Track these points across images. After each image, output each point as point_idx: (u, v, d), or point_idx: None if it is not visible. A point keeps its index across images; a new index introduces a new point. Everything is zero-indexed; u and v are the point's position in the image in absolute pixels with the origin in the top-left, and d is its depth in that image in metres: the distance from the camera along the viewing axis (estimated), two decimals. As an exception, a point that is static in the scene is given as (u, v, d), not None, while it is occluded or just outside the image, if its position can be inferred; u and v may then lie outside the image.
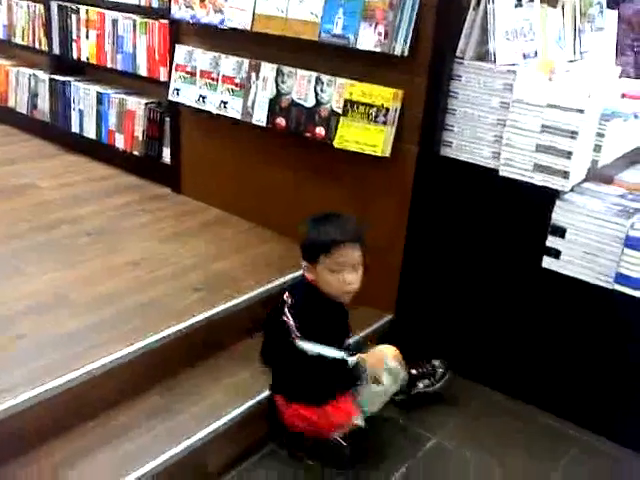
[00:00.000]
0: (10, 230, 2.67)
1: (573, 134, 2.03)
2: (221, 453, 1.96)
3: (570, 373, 2.24)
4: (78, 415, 1.85)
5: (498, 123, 2.18)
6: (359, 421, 1.96)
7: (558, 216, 2.12)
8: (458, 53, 2.21)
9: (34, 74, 3.92)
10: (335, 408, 1.93)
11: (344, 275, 1.84)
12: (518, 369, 2.35)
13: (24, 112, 4.04)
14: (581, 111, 2.02)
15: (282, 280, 2.38)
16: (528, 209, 2.20)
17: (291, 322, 1.90)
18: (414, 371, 2.26)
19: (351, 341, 2.11)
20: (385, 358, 1.97)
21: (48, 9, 3.66)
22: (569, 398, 2.27)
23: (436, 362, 2.33)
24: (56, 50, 3.72)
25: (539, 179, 2.12)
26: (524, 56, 2.27)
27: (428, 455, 2.11)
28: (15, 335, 1.97)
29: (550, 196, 2.12)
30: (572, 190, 2.15)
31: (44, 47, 3.80)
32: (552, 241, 2.15)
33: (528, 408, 2.33)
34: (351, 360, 1.89)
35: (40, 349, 1.92)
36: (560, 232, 2.13)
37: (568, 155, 2.05)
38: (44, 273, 2.35)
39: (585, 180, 2.22)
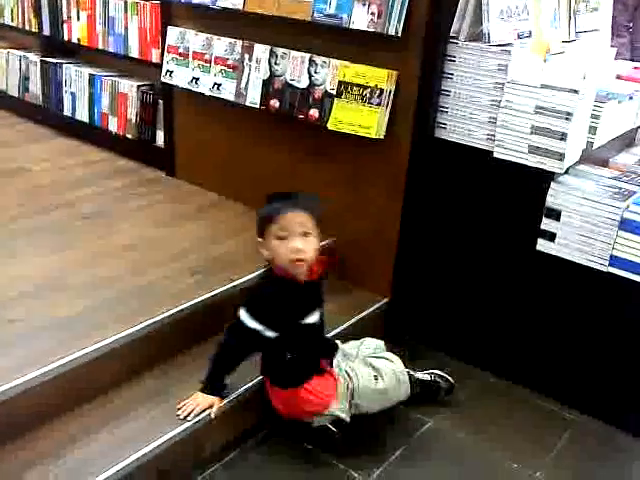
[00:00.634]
0: (4, 214, 2.66)
1: (568, 115, 2.03)
2: (219, 435, 1.97)
3: (565, 356, 2.26)
4: (74, 398, 1.85)
5: (492, 104, 2.17)
6: (342, 414, 1.97)
7: (553, 198, 2.13)
8: (452, 33, 2.19)
9: (25, 56, 3.88)
10: (305, 395, 1.95)
11: (291, 242, 1.84)
12: (513, 352, 2.37)
13: (16, 95, 4.00)
14: (576, 92, 2.02)
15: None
16: (523, 191, 2.20)
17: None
18: (420, 375, 2.24)
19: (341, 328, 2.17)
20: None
21: (37, -12, 3.62)
22: (564, 381, 2.29)
23: (442, 380, 2.27)
24: (46, 31, 3.68)
25: (534, 161, 2.12)
26: (518, 36, 2.26)
27: (424, 438, 2.13)
28: (10, 319, 1.96)
29: (545, 178, 2.13)
30: (567, 172, 2.15)
31: (34, 28, 3.75)
32: (547, 224, 2.16)
33: (523, 391, 2.36)
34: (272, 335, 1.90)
35: (35, 333, 1.91)
36: (555, 214, 2.13)
37: (563, 137, 2.05)
38: (40, 257, 2.34)
39: (580, 162, 2.22)
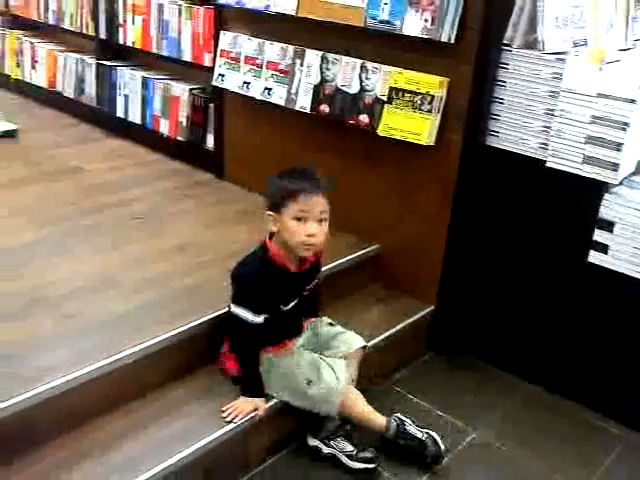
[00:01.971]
0: (59, 212, 2.74)
1: (624, 125, 1.99)
2: (264, 437, 1.99)
3: (614, 370, 2.21)
4: (124, 395, 1.90)
5: (546, 113, 2.14)
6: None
7: (606, 210, 2.09)
8: (506, 40, 2.18)
9: (81, 59, 3.99)
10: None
11: (309, 225, 1.84)
12: (561, 365, 2.33)
13: (71, 96, 4.11)
14: (633, 101, 1.98)
15: (324, 268, 2.38)
16: (575, 202, 2.17)
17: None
18: (412, 429, 2.01)
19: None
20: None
21: (95, -6, 3.71)
22: (615, 396, 2.24)
23: (432, 445, 1.98)
24: (102, 35, 3.78)
25: (588, 171, 2.08)
26: (574, 44, 2.22)
27: (468, 448, 2.11)
28: (64, 315, 2.02)
29: (598, 189, 2.09)
30: (621, 183, 2.11)
31: (91, 32, 3.85)
32: (599, 235, 2.12)
33: (571, 405, 2.32)
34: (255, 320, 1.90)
35: (89, 329, 1.97)
36: (608, 226, 2.10)
37: (618, 147, 2.01)
38: (92, 255, 2.40)
39: (635, 173, 2.18)
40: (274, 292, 1.93)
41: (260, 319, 1.91)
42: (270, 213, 1.90)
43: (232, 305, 1.94)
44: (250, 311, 1.89)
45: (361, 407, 2.00)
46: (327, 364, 1.98)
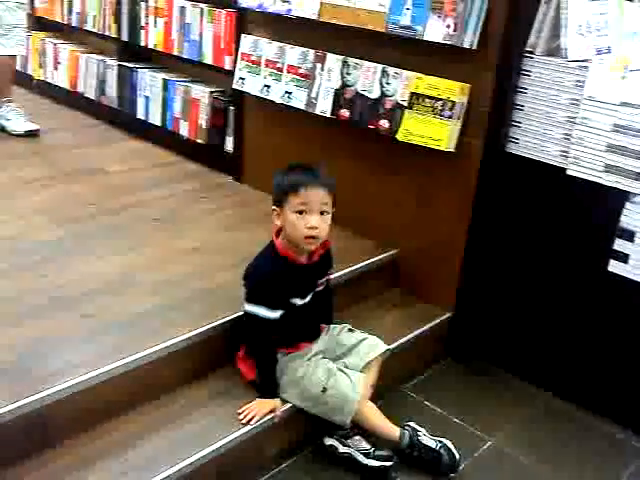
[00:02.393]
0: (79, 212, 2.76)
1: (647, 134, 1.97)
2: (279, 440, 1.99)
3: (634, 382, 2.18)
4: (140, 395, 1.90)
5: (567, 120, 2.13)
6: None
7: (627, 219, 2.07)
8: (528, 47, 2.17)
9: (103, 60, 4.03)
10: None
11: (309, 218, 1.85)
12: (580, 375, 2.30)
13: (92, 97, 4.15)
14: (657, 110, 1.96)
15: (341, 272, 2.38)
16: (595, 210, 2.15)
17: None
18: (425, 439, 2.00)
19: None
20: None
21: (119, -3, 3.75)
22: (634, 407, 2.21)
23: (446, 454, 1.97)
24: (125, 37, 3.81)
25: (609, 180, 2.06)
26: (597, 52, 2.21)
27: (484, 456, 2.10)
28: (83, 314, 2.03)
29: (620, 198, 2.07)
30: (643, 192, 2.09)
31: (113, 34, 3.89)
32: (620, 244, 2.10)
33: (589, 415, 2.29)
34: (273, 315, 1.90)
35: (106, 329, 1.98)
36: (629, 235, 2.07)
37: (640, 156, 1.99)
38: (111, 255, 2.42)
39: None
40: (287, 285, 1.92)
41: (276, 314, 1.90)
42: (274, 208, 1.92)
43: (246, 304, 1.93)
44: (265, 307, 1.89)
45: (374, 418, 1.99)
46: (345, 374, 1.97)
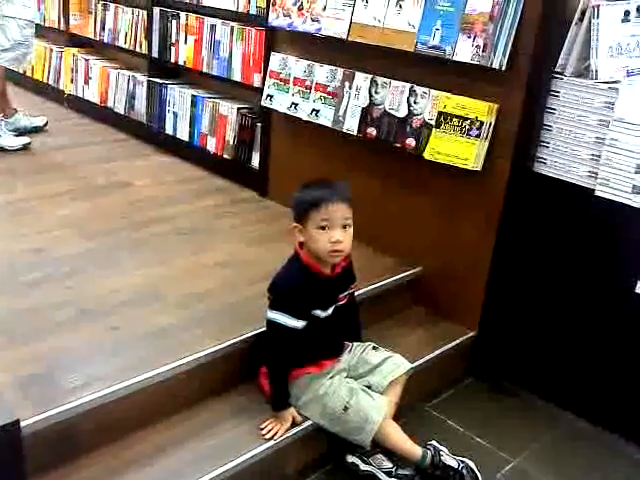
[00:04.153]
0: (107, 225, 2.80)
1: (678, 156, 1.96)
2: (300, 456, 1.99)
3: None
4: (165, 408, 1.92)
5: (596, 141, 2.12)
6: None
7: (657, 241, 2.05)
8: (557, 68, 2.17)
9: (133, 76, 4.10)
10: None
11: (333, 232, 1.86)
12: (605, 397, 2.27)
13: (121, 112, 4.22)
14: (687, 133, 1.95)
15: (364, 289, 2.38)
16: (624, 231, 2.13)
17: None
18: (447, 459, 1.97)
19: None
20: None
21: (151, 14, 3.82)
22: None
23: (468, 474, 1.95)
24: (155, 53, 3.87)
25: (637, 201, 2.04)
26: (627, 73, 2.20)
27: (507, 477, 2.07)
28: (109, 327, 2.06)
29: (649, 219, 2.05)
30: (673, 214, 2.07)
31: (144, 50, 3.96)
32: (649, 266, 2.08)
33: (615, 438, 2.26)
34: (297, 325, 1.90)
35: (132, 342, 2.00)
36: (658, 257, 2.06)
37: (671, 178, 1.98)
38: (137, 269, 2.45)
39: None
40: (310, 295, 1.93)
41: (298, 324, 1.90)
42: (296, 225, 1.94)
43: (269, 312, 1.93)
44: (289, 315, 1.89)
45: (396, 437, 1.96)
46: (367, 394, 1.97)
